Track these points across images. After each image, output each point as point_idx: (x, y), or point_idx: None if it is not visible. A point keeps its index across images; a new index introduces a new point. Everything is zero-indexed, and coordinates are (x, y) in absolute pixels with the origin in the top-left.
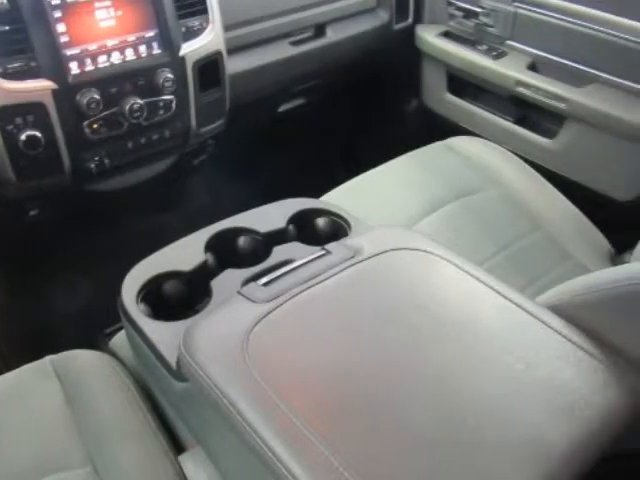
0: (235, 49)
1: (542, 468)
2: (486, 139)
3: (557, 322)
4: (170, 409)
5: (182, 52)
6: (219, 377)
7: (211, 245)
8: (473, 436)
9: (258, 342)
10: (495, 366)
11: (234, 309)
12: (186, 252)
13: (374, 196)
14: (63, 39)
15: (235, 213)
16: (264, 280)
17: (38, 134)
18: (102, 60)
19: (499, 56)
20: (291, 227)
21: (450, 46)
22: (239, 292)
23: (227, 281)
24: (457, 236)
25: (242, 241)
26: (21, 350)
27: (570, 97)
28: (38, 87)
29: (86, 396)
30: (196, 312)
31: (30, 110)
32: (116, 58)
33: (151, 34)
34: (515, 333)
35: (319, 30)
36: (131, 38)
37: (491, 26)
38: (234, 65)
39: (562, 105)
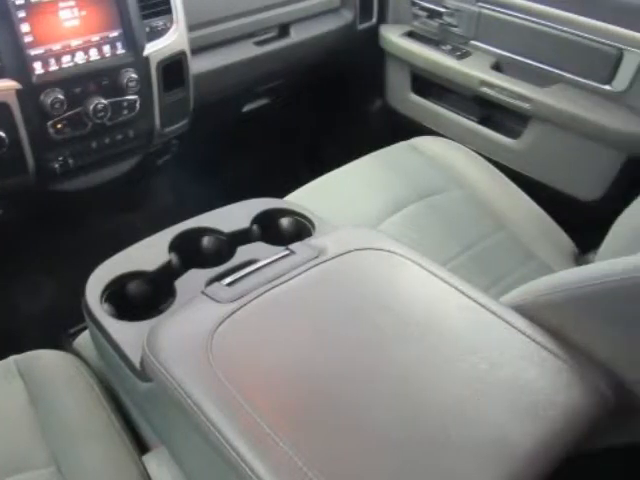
0: (199, 49)
1: (506, 468)
2: (450, 139)
3: (521, 322)
4: (134, 409)
5: (146, 52)
6: (183, 377)
7: (175, 245)
8: (437, 436)
9: (222, 342)
10: (459, 366)
11: (198, 309)
12: (150, 252)
13: (338, 196)
14: (27, 39)
15: (199, 213)
16: (228, 280)
17: (2, 134)
18: (66, 60)
19: (463, 56)
20: (255, 227)
21: (414, 46)
22: (203, 292)
23: (191, 281)
24: (421, 236)
25: (206, 241)
26: None
27: (534, 97)
28: (2, 87)
29: (50, 396)
30: (160, 312)
31: None
32: (80, 58)
33: (115, 34)
34: (479, 333)
35: (283, 30)
36: (95, 38)
37: (455, 26)
38: (198, 65)
39: (526, 105)
